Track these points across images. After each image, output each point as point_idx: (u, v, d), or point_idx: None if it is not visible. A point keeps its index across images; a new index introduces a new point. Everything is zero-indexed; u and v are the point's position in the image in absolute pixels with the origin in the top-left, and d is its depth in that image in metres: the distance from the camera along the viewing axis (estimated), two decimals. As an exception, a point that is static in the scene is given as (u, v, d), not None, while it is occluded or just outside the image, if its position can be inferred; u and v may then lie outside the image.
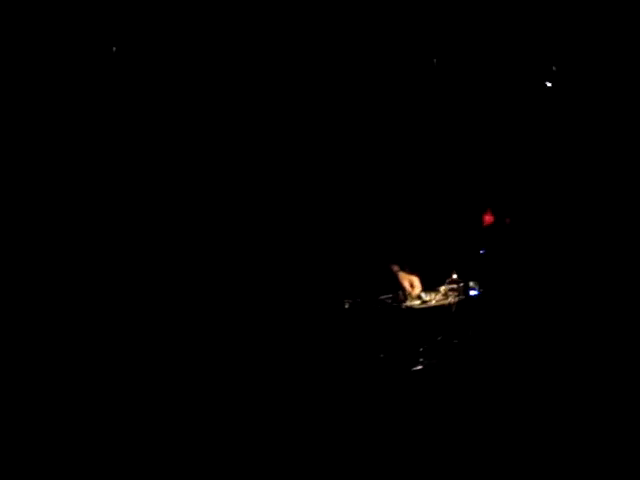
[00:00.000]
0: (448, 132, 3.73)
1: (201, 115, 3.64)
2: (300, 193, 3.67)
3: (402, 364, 3.30)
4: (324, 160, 3.67)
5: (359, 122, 3.70)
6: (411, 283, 3.48)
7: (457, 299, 3.45)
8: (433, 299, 3.47)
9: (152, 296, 3.46)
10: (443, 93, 3.77)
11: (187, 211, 3.59)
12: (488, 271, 3.56)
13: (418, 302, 3.46)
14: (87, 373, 3.29)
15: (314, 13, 3.62)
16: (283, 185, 3.68)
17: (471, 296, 3.48)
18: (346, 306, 3.44)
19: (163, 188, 3.59)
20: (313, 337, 3.41)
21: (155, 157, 3.60)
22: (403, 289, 3.48)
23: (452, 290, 3.49)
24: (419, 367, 3.30)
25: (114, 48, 3.51)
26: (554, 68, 3.68)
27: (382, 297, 3.48)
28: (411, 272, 3.52)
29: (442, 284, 3.50)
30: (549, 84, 3.66)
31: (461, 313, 3.43)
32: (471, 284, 3.49)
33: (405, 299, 3.47)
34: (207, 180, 3.61)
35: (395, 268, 3.51)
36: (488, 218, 3.56)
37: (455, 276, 3.52)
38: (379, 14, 3.65)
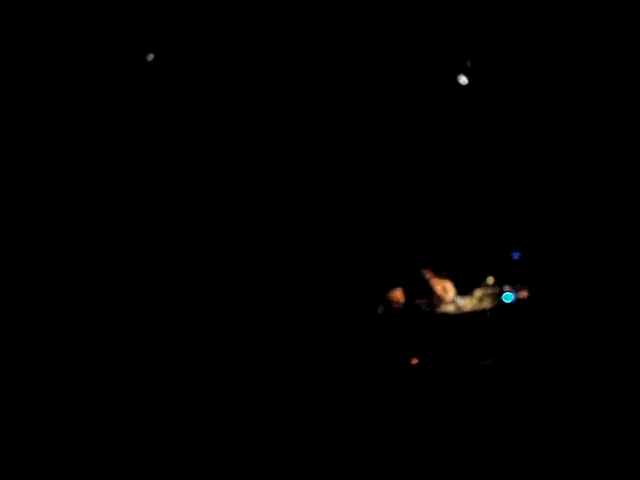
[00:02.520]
0: (477, 136, 3.70)
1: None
2: (334, 199, 3.67)
3: (436, 370, 3.27)
4: (357, 165, 3.66)
5: (397, 128, 3.69)
6: (444, 288, 3.45)
7: (492, 304, 3.41)
8: (468, 304, 3.43)
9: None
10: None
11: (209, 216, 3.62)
12: (524, 276, 3.50)
13: (452, 307, 3.42)
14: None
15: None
16: (318, 190, 3.68)
17: (507, 301, 3.43)
18: (380, 311, 3.42)
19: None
20: (347, 341, 3.39)
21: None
22: (437, 294, 3.45)
23: (487, 295, 3.44)
24: (453, 373, 3.26)
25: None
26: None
27: (416, 302, 3.45)
28: (444, 277, 3.49)
29: (477, 289, 3.46)
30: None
31: (496, 319, 3.38)
32: (507, 289, 3.44)
33: (439, 304, 3.43)
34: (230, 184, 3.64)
35: (428, 273, 3.48)
36: None
37: (491, 281, 3.48)
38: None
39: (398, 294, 3.49)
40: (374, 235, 3.57)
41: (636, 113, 3.60)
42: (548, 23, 3.64)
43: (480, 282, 3.47)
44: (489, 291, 3.44)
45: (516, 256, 3.55)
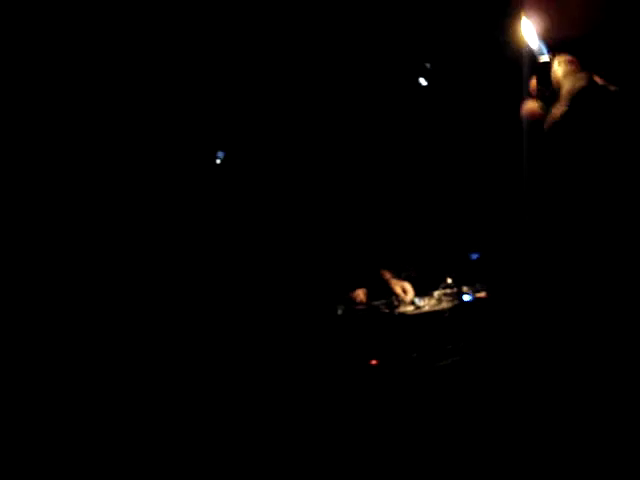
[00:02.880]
0: (438, 137, 3.72)
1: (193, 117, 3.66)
2: (294, 198, 3.67)
3: (395, 371, 3.27)
4: (316, 165, 3.67)
5: (347, 127, 3.69)
6: (403, 289, 3.47)
7: (451, 304, 3.43)
8: (427, 305, 3.45)
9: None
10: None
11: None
12: (483, 276, 3.53)
13: (411, 308, 3.44)
14: (87, 373, 3.31)
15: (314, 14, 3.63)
16: (277, 191, 3.68)
17: (465, 301, 3.45)
18: (339, 312, 3.43)
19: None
20: (306, 342, 3.39)
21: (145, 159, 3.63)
22: (396, 295, 3.47)
23: (446, 295, 3.47)
24: (412, 374, 3.27)
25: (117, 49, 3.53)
26: None
27: (375, 303, 3.46)
28: (404, 278, 3.51)
29: (436, 289, 3.49)
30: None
31: (455, 319, 3.40)
32: (465, 289, 3.47)
33: (398, 305, 3.45)
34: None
35: (387, 275, 3.50)
36: None
37: (449, 281, 3.50)
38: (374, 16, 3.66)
39: (359, 294, 3.50)
40: (335, 236, 3.58)
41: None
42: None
43: (439, 283, 3.49)
44: (448, 292, 3.46)
45: (474, 257, 3.58)
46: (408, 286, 3.48)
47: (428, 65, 3.90)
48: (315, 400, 3.20)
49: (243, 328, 3.46)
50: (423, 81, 3.89)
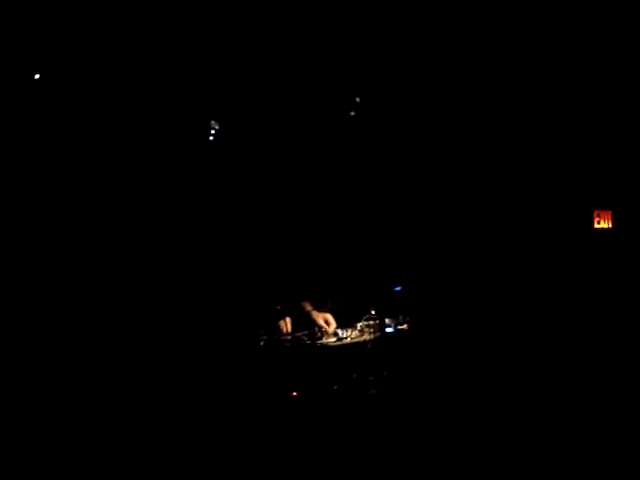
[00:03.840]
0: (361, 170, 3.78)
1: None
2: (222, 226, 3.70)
3: (315, 402, 3.27)
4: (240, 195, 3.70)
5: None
6: (326, 320, 3.47)
7: (373, 336, 3.44)
8: (349, 336, 3.46)
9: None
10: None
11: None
12: (405, 308, 3.56)
13: (334, 339, 3.44)
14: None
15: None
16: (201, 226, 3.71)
17: (387, 333, 3.47)
18: (261, 343, 3.42)
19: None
20: (227, 373, 3.37)
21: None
22: (318, 326, 3.47)
23: (368, 327, 3.48)
24: (333, 405, 3.27)
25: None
26: None
27: (297, 334, 3.46)
28: (326, 309, 3.52)
29: (358, 321, 3.50)
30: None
31: (377, 350, 3.41)
32: (387, 321, 3.49)
33: (321, 336, 3.45)
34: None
35: (308, 306, 3.50)
36: None
37: (372, 312, 3.51)
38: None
39: (284, 324, 3.48)
40: (259, 268, 3.58)
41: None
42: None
43: (362, 314, 3.50)
44: (370, 323, 3.47)
45: (397, 289, 3.61)
46: (330, 317, 3.49)
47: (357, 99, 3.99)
48: (233, 431, 3.18)
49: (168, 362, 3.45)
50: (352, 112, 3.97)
